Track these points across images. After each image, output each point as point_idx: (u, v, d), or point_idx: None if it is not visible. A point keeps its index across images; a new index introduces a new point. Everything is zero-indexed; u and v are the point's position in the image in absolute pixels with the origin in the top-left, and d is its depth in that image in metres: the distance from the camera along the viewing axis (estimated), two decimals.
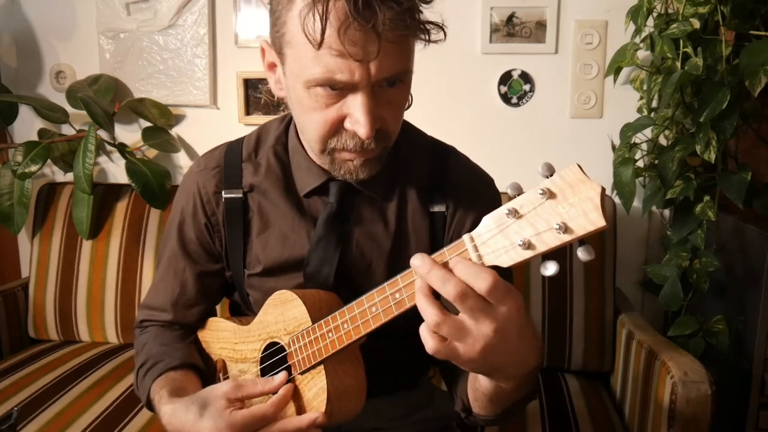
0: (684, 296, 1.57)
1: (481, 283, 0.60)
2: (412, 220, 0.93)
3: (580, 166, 0.58)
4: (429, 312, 0.62)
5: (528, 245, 0.60)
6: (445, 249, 0.67)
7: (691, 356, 1.25)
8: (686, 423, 1.17)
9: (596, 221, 0.57)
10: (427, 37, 0.76)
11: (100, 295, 1.80)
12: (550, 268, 0.60)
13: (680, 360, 1.23)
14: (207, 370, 0.98)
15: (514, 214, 0.61)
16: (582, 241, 0.59)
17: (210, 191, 0.96)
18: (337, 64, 0.72)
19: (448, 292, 0.61)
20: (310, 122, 0.81)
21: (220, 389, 0.81)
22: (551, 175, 0.60)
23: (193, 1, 1.87)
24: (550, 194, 0.59)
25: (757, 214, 1.50)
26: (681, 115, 1.55)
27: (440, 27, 0.77)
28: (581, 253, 0.59)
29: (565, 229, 0.58)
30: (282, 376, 0.83)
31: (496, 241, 0.63)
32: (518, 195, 0.62)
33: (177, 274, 0.99)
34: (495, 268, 0.63)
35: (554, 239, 0.59)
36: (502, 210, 0.62)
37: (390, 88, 0.78)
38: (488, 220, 0.64)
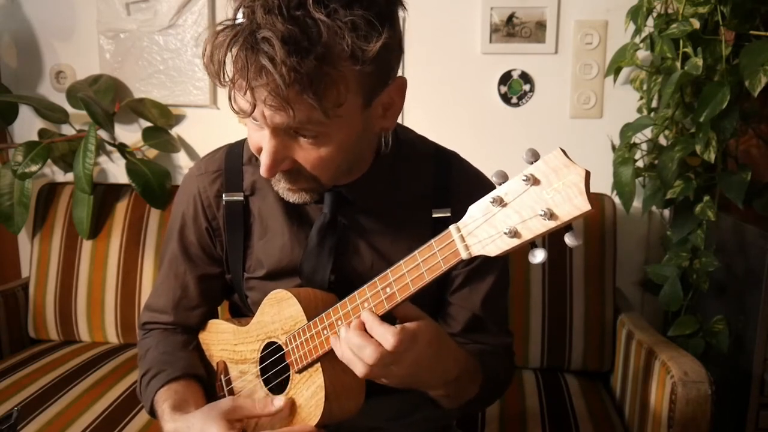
0: (684, 296, 1.57)
1: (386, 344, 0.70)
2: (413, 227, 0.93)
3: (563, 150, 0.58)
4: (357, 368, 0.73)
5: (514, 233, 0.60)
6: (432, 241, 0.67)
7: (691, 356, 1.25)
8: (686, 423, 1.17)
9: (581, 206, 0.56)
10: (316, 99, 0.69)
11: (100, 295, 1.80)
12: (538, 256, 0.60)
13: (680, 360, 1.23)
14: (208, 378, 0.98)
15: (500, 202, 0.61)
16: (569, 226, 0.58)
17: (211, 195, 0.96)
18: (239, 104, 0.74)
19: (363, 356, 0.71)
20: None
21: (219, 408, 0.83)
22: (535, 161, 0.59)
23: (193, 1, 1.87)
24: (534, 180, 0.58)
25: (757, 214, 1.50)
26: (681, 115, 1.55)
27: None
28: (568, 239, 0.58)
29: (551, 215, 0.57)
30: (281, 400, 0.84)
31: (482, 230, 0.62)
32: (503, 182, 0.62)
33: (178, 277, 1.00)
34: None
35: (540, 226, 0.58)
36: (486, 199, 0.62)
37: (300, 136, 0.76)
38: (474, 210, 0.63)
